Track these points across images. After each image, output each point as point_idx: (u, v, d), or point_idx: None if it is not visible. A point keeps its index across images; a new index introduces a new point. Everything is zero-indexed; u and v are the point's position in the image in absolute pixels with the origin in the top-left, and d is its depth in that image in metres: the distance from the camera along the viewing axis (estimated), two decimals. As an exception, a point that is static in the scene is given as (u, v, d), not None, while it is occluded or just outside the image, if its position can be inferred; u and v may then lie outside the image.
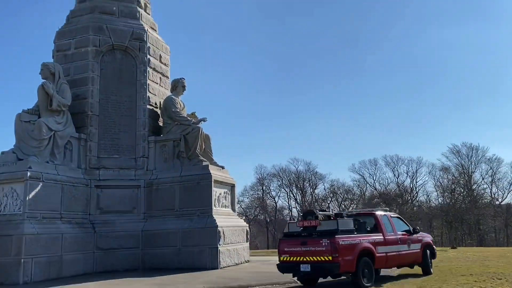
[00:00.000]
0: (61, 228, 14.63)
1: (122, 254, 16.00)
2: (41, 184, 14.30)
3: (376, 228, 12.40)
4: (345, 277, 11.69)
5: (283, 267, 11.69)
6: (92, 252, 15.54)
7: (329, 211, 12.83)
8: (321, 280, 12.27)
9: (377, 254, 11.56)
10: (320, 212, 11.85)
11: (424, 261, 13.74)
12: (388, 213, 13.74)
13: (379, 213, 13.07)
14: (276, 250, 12.50)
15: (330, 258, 10.57)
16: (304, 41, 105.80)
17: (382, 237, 12.15)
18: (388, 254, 12.08)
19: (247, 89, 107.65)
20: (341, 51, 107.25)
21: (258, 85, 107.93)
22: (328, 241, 10.69)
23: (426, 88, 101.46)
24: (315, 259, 10.80)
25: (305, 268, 11.01)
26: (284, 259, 11.54)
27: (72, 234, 14.91)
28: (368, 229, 12.33)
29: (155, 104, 18.63)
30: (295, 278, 12.23)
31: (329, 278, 12.09)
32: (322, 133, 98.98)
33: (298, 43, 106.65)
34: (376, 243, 11.72)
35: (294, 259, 11.24)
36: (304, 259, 11.00)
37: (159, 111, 18.71)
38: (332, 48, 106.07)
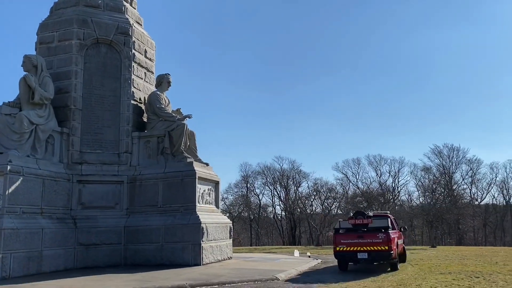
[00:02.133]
0: (42, 223, 14.42)
1: (103, 250, 15.86)
2: (21, 178, 14.06)
3: (391, 226, 15.22)
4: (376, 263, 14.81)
5: (340, 255, 14.53)
6: (73, 248, 15.36)
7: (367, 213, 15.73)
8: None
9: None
10: (370, 213, 15.95)
11: (404, 254, 17.09)
12: (391, 215, 16.83)
13: (390, 215, 16.61)
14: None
15: (386, 247, 13.91)
16: (291, 40, 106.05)
17: (398, 233, 15.83)
18: (399, 246, 15.66)
19: (233, 87, 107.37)
20: (327, 51, 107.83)
21: (244, 83, 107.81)
22: (384, 235, 14.09)
23: (410, 89, 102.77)
24: (373, 249, 13.94)
25: (362, 255, 14.10)
26: (341, 249, 14.39)
27: (53, 229, 14.71)
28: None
29: (140, 99, 18.47)
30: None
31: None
32: (307, 132, 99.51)
33: (285, 42, 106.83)
34: (398, 238, 15.58)
35: (351, 249, 14.17)
36: (361, 249, 14.06)
37: (143, 107, 18.57)
38: (318, 47, 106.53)
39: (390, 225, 14.96)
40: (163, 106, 17.97)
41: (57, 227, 14.92)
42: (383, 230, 14.31)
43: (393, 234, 14.67)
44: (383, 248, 13.93)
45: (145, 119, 18.50)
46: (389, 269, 14.72)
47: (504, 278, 11.81)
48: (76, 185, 16.24)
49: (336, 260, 15.06)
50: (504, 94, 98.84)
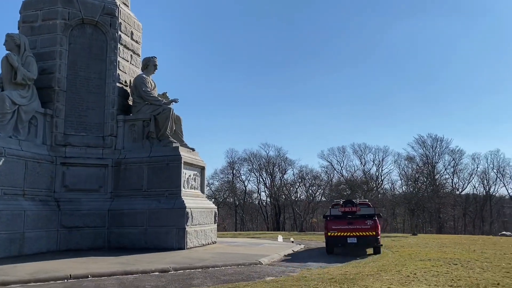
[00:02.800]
0: (24, 205, 14.28)
1: (87, 233, 15.81)
2: (3, 159, 13.85)
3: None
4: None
5: (331, 239, 15.62)
6: (56, 230, 15.27)
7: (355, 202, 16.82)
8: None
9: None
10: (357, 201, 16.85)
11: None
12: (369, 203, 17.74)
13: (369, 203, 17.51)
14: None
15: (374, 233, 15.25)
16: (277, 29, 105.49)
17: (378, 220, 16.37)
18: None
19: (220, 73, 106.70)
20: (313, 39, 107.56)
21: (231, 70, 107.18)
22: (372, 222, 15.42)
23: (396, 80, 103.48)
24: (361, 234, 15.23)
25: (351, 240, 15.29)
26: (332, 234, 15.52)
27: (35, 211, 14.58)
28: None
29: (125, 82, 18.26)
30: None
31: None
32: (293, 120, 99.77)
33: (272, 30, 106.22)
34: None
35: (342, 234, 15.37)
36: (351, 234, 15.29)
37: (129, 90, 18.36)
38: (305, 36, 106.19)
39: (375, 212, 16.28)
40: (149, 90, 17.80)
41: (39, 209, 14.78)
42: (371, 218, 15.66)
43: (379, 221, 15.98)
44: (371, 233, 15.32)
45: (130, 102, 18.32)
46: (371, 252, 15.64)
47: (481, 265, 12.13)
48: (59, 168, 16.07)
49: (319, 246, 16.23)
50: (488, 87, 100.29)
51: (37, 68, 15.78)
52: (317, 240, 23.22)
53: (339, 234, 15.45)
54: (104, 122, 17.28)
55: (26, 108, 15.23)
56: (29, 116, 15.39)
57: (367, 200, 20.84)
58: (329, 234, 15.64)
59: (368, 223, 15.48)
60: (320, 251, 17.49)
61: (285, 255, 15.11)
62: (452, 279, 9.48)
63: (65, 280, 9.50)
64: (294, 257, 14.76)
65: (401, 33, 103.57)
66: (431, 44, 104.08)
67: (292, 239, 23.48)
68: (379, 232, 15.65)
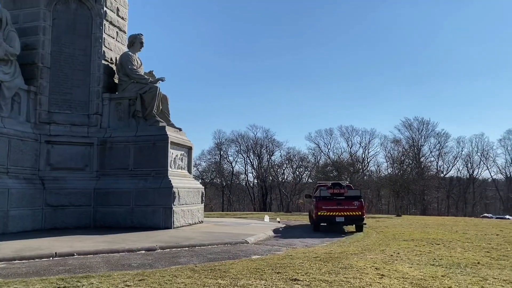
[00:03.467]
0: (8, 183, 14.08)
1: (72, 212, 15.71)
2: (-15, 136, 13.59)
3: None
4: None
5: (321, 218, 16.87)
6: (41, 209, 15.14)
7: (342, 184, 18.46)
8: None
9: None
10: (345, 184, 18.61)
11: None
12: (351, 185, 19.78)
13: (351, 185, 19.61)
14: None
15: (360, 213, 16.66)
16: (267, 10, 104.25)
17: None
18: None
19: (209, 54, 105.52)
20: (303, 22, 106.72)
21: (220, 50, 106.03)
22: (358, 203, 16.80)
23: (384, 63, 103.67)
24: (349, 214, 16.54)
25: (339, 219, 16.61)
26: (322, 213, 16.69)
27: (20, 189, 14.41)
28: None
29: (111, 59, 17.92)
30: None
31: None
32: (281, 102, 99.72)
33: (261, 11, 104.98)
34: None
35: (331, 213, 16.61)
36: (339, 214, 16.54)
37: (114, 67, 18.04)
38: (295, 19, 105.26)
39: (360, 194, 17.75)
40: (135, 68, 17.51)
41: (24, 188, 14.61)
42: (357, 199, 17.05)
43: (363, 202, 17.30)
44: (357, 213, 16.73)
45: (116, 80, 18.02)
46: (353, 230, 17.13)
47: (462, 245, 12.40)
48: (44, 146, 15.85)
49: (304, 224, 17.49)
50: (475, 71, 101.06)
51: (20, 44, 15.38)
52: (302, 220, 23.47)
53: (328, 213, 16.68)
54: (90, 100, 17.01)
55: (9, 84, 14.88)
56: (12, 92, 15.06)
57: (348, 182, 23.01)
58: (319, 213, 16.73)
59: (355, 204, 16.83)
60: (304, 229, 17.73)
61: (271, 235, 15.24)
62: (434, 259, 9.67)
63: (50, 258, 9.45)
64: (280, 237, 14.91)
65: (387, 13, 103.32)
66: (420, 28, 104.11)
67: (278, 219, 23.68)
68: (364, 212, 17.08)
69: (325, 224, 17.51)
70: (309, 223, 20.57)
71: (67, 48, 16.80)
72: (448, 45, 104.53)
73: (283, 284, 6.75)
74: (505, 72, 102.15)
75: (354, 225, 17.38)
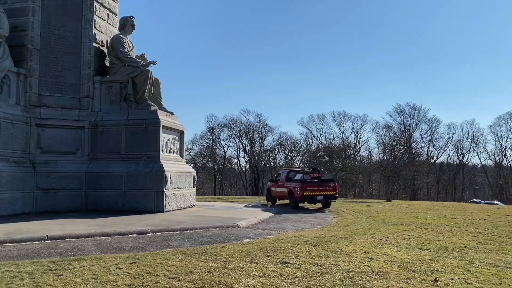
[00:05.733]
0: (-2, 166, 14.00)
1: (64, 195, 15.69)
2: (-25, 119, 13.44)
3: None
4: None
5: (305, 198, 20.16)
6: (32, 192, 15.10)
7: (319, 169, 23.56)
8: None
9: None
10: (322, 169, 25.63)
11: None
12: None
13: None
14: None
15: (334, 192, 20.70)
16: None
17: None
18: None
19: (201, 38, 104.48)
20: (295, 7, 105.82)
21: (213, 35, 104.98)
22: (333, 184, 20.87)
23: (377, 49, 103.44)
24: (326, 193, 20.38)
25: (320, 198, 20.27)
26: (307, 193, 20.08)
27: (10, 172, 14.33)
28: None
29: (102, 42, 17.71)
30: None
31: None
32: (274, 87, 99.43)
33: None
34: None
35: (313, 193, 20.14)
36: (319, 193, 20.24)
37: (106, 50, 17.84)
38: (287, 3, 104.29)
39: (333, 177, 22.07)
40: (127, 51, 17.33)
41: (14, 171, 14.54)
42: (332, 181, 21.16)
43: (335, 184, 21.21)
44: (332, 193, 20.64)
45: (107, 63, 17.84)
46: (321, 206, 20.96)
47: (450, 229, 12.61)
48: (34, 129, 15.73)
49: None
50: (468, 57, 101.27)
51: (9, 25, 15.12)
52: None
53: (311, 193, 20.19)
54: (80, 83, 16.85)
55: (-2, 66, 14.67)
56: (1, 75, 14.86)
57: (323, 169, 25.48)
58: (304, 194, 20.13)
59: (331, 185, 20.71)
60: (293, 212, 17.90)
61: (263, 219, 15.36)
62: (423, 242, 9.84)
63: (42, 241, 9.47)
64: (271, 221, 15.04)
65: (382, 2, 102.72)
66: (412, 14, 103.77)
67: (269, 204, 23.82)
68: (337, 192, 21.17)
69: (303, 203, 20.92)
70: (267, 202, 23.72)
71: (57, 30, 16.56)
72: (442, 31, 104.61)
73: (274, 267, 6.85)
74: (498, 58, 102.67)
75: (320, 203, 20.86)
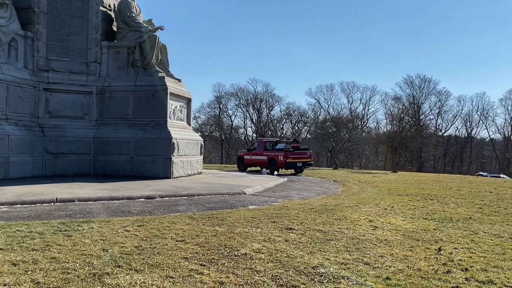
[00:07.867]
0: (7, 129, 14.12)
1: (72, 159, 15.87)
2: (-17, 82, 13.46)
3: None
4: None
5: (289, 164, 24.29)
6: (41, 156, 15.28)
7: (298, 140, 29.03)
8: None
9: None
10: (299, 139, 35.92)
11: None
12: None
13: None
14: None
15: (310, 160, 25.54)
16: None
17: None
18: None
19: (211, 5, 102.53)
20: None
21: (222, 3, 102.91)
22: (309, 152, 25.76)
23: (388, 19, 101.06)
24: (304, 160, 24.87)
25: (299, 164, 24.66)
26: (290, 161, 24.23)
27: (19, 136, 14.47)
28: None
29: (109, 6, 17.45)
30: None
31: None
32: (282, 56, 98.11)
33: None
34: None
35: (295, 160, 24.43)
36: (299, 161, 24.60)
37: (113, 15, 17.60)
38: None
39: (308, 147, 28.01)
40: (134, 15, 17.09)
41: (23, 134, 14.67)
42: (308, 150, 26.18)
43: (311, 151, 26.39)
44: (309, 160, 25.37)
45: (115, 28, 17.64)
46: (293, 172, 24.86)
47: (456, 201, 12.64)
48: (42, 93, 15.76)
49: (301, 179, 19.46)
50: (480, 29, 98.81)
51: (15, -13, 14.90)
52: (298, 174, 23.75)
53: (293, 160, 24.32)
54: (88, 48, 16.73)
55: (5, 29, 14.57)
56: (9, 37, 14.76)
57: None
58: (288, 160, 24.21)
59: (308, 154, 25.41)
60: (299, 181, 18.01)
61: (268, 187, 15.50)
62: (427, 213, 9.89)
63: (51, 203, 9.65)
64: (276, 189, 15.17)
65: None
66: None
67: (276, 173, 23.98)
68: (312, 159, 25.87)
69: (292, 168, 24.67)
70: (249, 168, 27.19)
71: (64, -8, 16.28)
72: (453, 1, 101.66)
73: (279, 233, 6.95)
74: (511, 30, 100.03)
75: (293, 169, 24.77)
